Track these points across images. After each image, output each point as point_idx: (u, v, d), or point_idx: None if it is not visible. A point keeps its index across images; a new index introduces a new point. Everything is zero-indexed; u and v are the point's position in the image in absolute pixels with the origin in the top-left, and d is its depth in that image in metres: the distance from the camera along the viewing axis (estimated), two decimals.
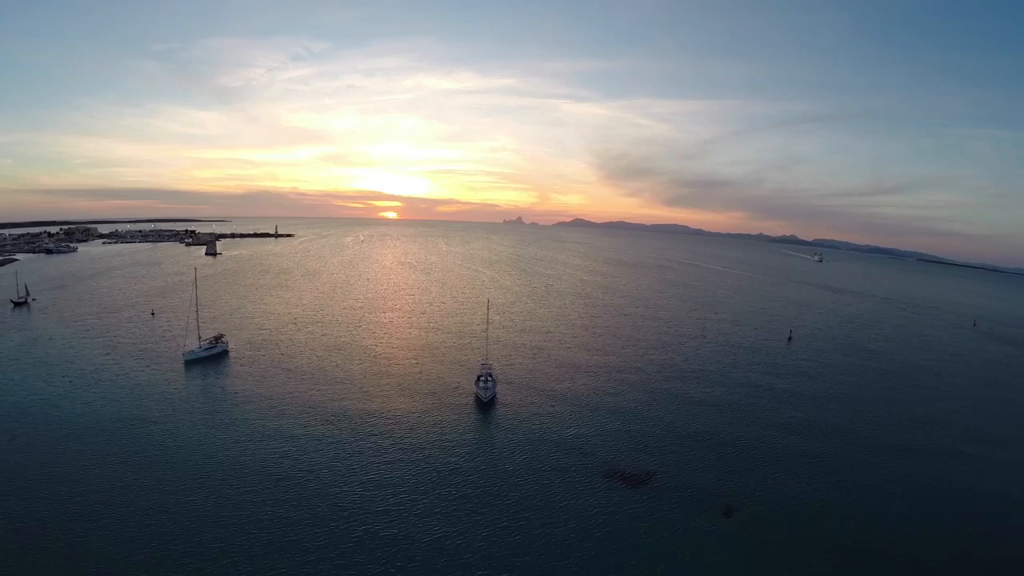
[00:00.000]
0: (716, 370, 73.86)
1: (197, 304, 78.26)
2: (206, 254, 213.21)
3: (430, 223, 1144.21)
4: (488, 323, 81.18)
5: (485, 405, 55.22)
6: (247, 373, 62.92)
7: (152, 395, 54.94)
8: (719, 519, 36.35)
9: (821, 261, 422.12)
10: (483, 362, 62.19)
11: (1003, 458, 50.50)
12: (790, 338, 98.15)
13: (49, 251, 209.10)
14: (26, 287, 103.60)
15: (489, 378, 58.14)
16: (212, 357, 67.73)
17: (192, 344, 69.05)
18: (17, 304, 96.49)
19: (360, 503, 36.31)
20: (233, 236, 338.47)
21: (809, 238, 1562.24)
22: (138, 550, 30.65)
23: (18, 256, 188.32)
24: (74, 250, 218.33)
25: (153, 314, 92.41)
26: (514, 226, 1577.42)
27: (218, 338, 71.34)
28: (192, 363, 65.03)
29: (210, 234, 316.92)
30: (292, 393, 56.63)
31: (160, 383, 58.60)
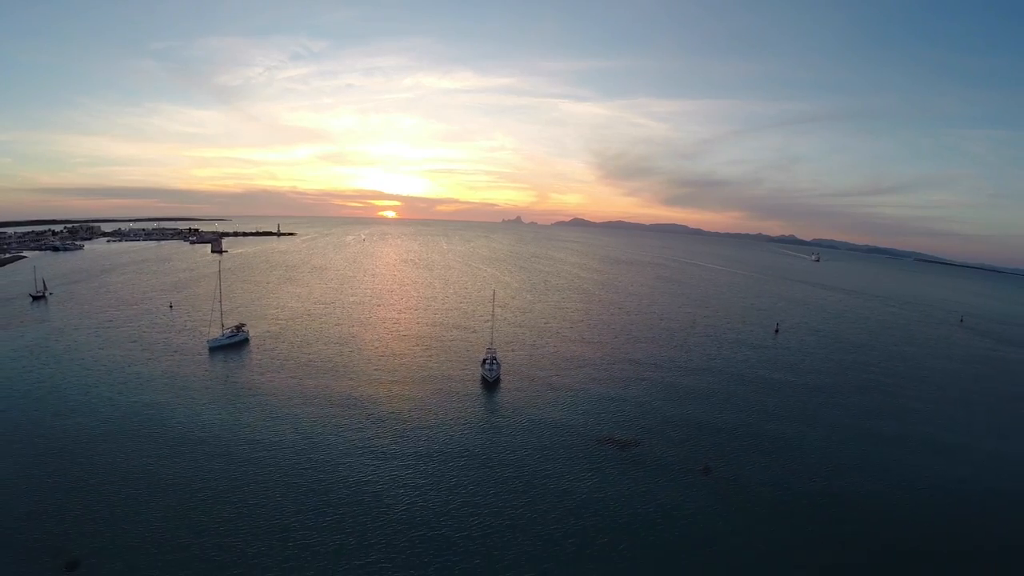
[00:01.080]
0: (703, 358, 78.46)
1: (220, 293, 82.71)
2: (212, 251, 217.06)
3: (429, 222, 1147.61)
4: (493, 313, 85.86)
5: (490, 385, 60.02)
6: (268, 359, 67.35)
7: (181, 377, 59.25)
8: (698, 476, 41.29)
9: (818, 261, 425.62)
10: (488, 347, 67.07)
11: (970, 445, 52.66)
12: (777, 331, 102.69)
13: (56, 248, 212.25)
14: (43, 281, 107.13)
15: (494, 361, 62.93)
16: (234, 344, 72.02)
17: (215, 332, 73.33)
18: (35, 298, 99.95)
19: (381, 463, 40.94)
20: (236, 235, 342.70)
21: (808, 238, 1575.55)
22: (176, 509, 34.44)
23: (25, 254, 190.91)
24: (80, 248, 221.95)
25: (171, 307, 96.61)
26: (513, 225, 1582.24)
27: (239, 327, 75.65)
28: (215, 350, 69.31)
29: (214, 232, 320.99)
30: (311, 376, 61.15)
31: (188, 366, 63.03)
